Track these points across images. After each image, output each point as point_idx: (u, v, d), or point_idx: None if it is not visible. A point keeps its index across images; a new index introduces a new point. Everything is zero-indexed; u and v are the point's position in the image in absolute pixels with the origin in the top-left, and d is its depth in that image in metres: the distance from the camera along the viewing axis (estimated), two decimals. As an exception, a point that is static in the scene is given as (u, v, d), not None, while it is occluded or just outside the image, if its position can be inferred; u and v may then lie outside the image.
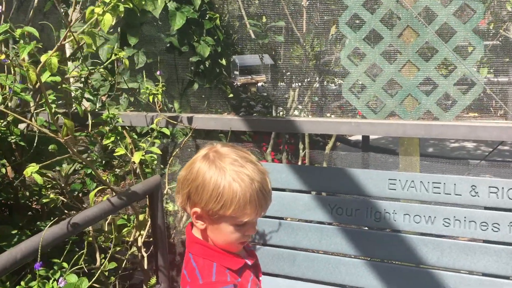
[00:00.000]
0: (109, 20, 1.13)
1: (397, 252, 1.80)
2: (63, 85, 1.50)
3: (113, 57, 1.45)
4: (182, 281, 1.17)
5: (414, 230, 1.79)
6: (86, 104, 2.85)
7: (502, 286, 1.67)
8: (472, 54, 2.29)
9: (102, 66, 1.43)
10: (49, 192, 2.01)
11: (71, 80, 3.58)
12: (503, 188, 1.69)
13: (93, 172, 1.85)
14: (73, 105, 1.83)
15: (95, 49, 1.19)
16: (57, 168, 3.45)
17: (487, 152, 4.21)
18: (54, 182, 3.28)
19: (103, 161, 2.59)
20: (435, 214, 1.76)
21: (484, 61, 2.76)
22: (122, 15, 1.17)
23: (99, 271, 1.58)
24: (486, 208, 1.72)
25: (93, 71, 1.83)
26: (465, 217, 1.72)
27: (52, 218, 2.10)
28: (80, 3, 1.38)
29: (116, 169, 2.55)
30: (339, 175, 1.89)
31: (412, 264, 1.79)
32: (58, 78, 1.29)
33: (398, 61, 2.44)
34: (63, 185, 2.51)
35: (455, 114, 2.35)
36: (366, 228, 1.87)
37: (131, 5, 1.17)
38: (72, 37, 1.15)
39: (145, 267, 1.95)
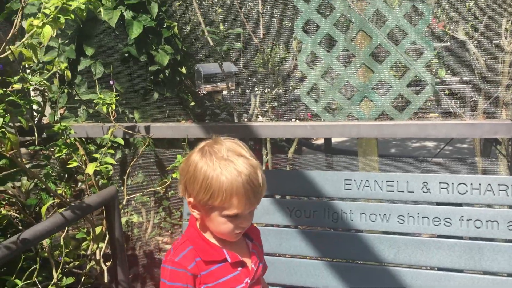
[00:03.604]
0: (48, 32, 1.11)
1: (355, 251, 1.82)
2: (10, 97, 1.47)
3: (54, 69, 1.43)
4: None
5: (370, 229, 1.82)
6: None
7: (456, 279, 1.72)
8: (422, 56, 2.36)
9: (44, 78, 1.40)
10: (2, 208, 1.96)
11: (32, 93, 3.51)
12: (453, 183, 1.74)
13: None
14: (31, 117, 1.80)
15: (36, 61, 1.17)
16: (17, 184, 3.37)
17: (447, 151, 4.33)
18: (12, 199, 3.19)
19: (65, 175, 2.54)
20: (390, 212, 1.79)
21: (442, 62, 2.85)
22: (63, 27, 1.16)
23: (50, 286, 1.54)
24: (438, 203, 1.77)
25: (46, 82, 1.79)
26: (418, 213, 1.76)
27: (8, 235, 2.05)
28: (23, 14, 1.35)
29: (79, 183, 2.51)
30: (296, 177, 1.91)
31: (371, 262, 1.82)
32: (-1, 91, 1.27)
33: (353, 64, 2.49)
34: (23, 201, 2.45)
35: (409, 114, 2.41)
36: (324, 229, 1.89)
37: (73, 16, 1.16)
38: (10, 51, 1.13)
39: (105, 280, 1.91)
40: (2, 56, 1.12)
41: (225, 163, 1.11)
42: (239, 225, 1.16)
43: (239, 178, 1.10)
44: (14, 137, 1.26)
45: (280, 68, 3.18)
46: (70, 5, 1.12)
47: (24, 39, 1.13)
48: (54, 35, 1.13)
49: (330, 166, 3.36)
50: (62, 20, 1.13)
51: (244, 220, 1.16)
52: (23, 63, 1.23)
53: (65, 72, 1.44)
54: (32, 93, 3.58)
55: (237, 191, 1.10)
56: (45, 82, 1.41)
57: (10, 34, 1.13)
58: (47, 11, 1.15)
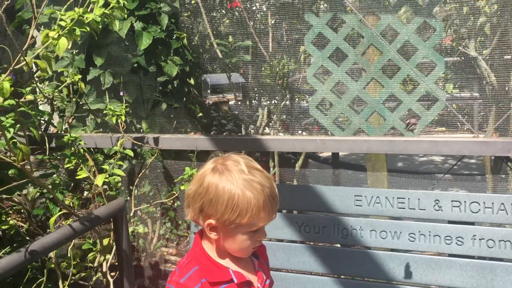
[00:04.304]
0: (64, 44, 1.11)
1: (365, 268, 1.80)
2: (21, 108, 1.47)
3: (68, 81, 1.43)
4: None
5: (381, 246, 1.80)
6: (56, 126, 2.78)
7: (467, 299, 1.69)
8: (433, 71, 2.35)
9: (57, 89, 1.40)
10: (10, 218, 1.95)
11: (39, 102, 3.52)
12: (465, 201, 1.72)
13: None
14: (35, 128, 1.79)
15: (50, 73, 1.17)
16: (23, 192, 3.36)
17: (455, 166, 4.29)
18: (19, 207, 3.18)
19: (71, 184, 2.53)
20: (401, 229, 1.77)
21: (449, 77, 2.84)
22: (78, 39, 1.15)
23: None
24: (449, 222, 1.75)
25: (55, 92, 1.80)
26: (429, 232, 1.74)
27: (14, 245, 2.03)
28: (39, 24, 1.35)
29: (85, 192, 2.49)
30: (306, 192, 1.89)
31: (380, 280, 1.80)
32: (12, 101, 1.26)
33: (363, 78, 2.48)
34: (30, 209, 2.44)
35: (419, 130, 2.39)
36: (334, 245, 1.87)
37: (88, 29, 1.16)
38: (24, 62, 1.13)
39: (111, 292, 1.89)
40: (17, 67, 1.12)
41: (246, 178, 1.11)
42: (257, 238, 1.16)
43: (264, 192, 1.11)
44: (26, 148, 1.26)
45: (288, 81, 3.18)
46: (86, 18, 1.12)
47: (39, 50, 1.13)
48: (69, 47, 1.13)
49: (338, 180, 3.33)
50: (77, 32, 1.13)
51: (262, 233, 1.17)
52: (36, 74, 1.22)
53: (78, 83, 1.44)
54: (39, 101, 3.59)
55: (264, 205, 1.10)
56: (58, 93, 1.41)
57: (26, 45, 1.13)
58: (62, 23, 1.14)
